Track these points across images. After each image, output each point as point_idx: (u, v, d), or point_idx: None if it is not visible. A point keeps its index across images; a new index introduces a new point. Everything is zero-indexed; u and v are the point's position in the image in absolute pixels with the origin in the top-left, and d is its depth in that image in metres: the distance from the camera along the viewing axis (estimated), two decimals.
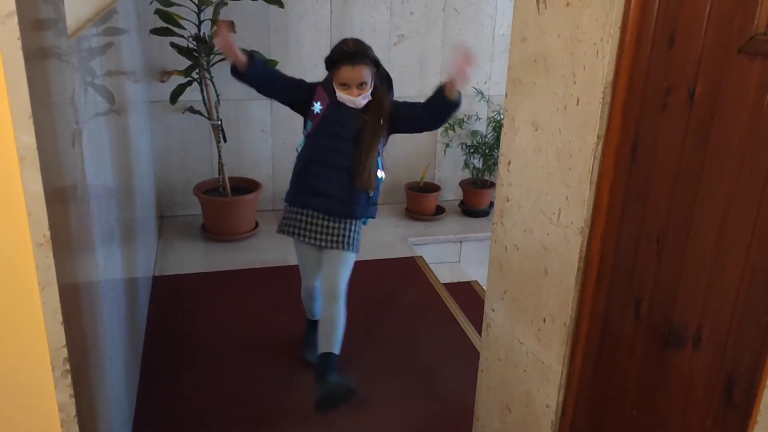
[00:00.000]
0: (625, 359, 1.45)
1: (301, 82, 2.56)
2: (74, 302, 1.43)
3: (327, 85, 2.48)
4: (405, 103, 2.56)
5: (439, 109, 2.44)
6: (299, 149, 2.59)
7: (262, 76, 2.48)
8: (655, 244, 1.33)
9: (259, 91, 2.55)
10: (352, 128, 2.46)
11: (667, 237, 1.30)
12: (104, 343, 1.84)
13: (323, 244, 2.54)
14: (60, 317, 1.26)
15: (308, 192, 2.53)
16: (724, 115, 1.14)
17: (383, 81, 2.53)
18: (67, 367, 1.30)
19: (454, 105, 2.39)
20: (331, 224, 2.53)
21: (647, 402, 1.39)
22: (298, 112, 2.57)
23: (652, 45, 1.29)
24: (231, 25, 2.40)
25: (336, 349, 2.48)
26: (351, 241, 2.54)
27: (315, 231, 2.55)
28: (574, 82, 1.48)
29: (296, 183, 2.58)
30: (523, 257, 1.75)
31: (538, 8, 1.59)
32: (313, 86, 2.52)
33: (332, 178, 2.48)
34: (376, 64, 2.46)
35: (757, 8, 1.06)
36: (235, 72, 2.44)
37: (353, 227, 2.55)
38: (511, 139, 1.75)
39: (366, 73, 2.41)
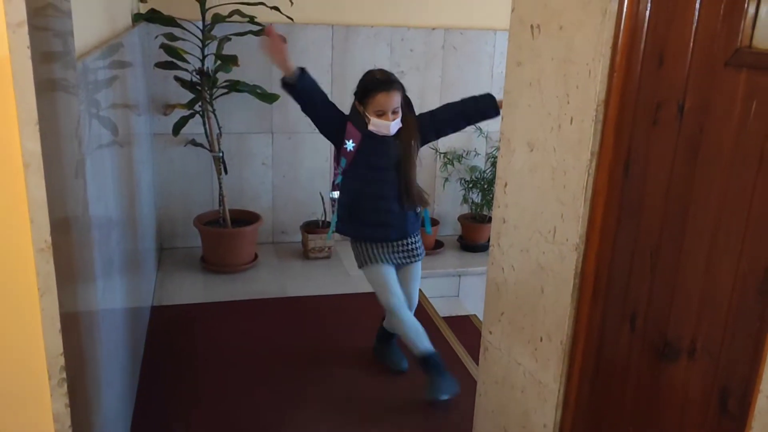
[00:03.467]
0: (621, 374, 1.45)
1: (339, 111, 2.65)
2: (73, 313, 1.44)
3: (355, 120, 2.59)
4: (426, 115, 2.71)
5: (481, 113, 2.67)
6: (337, 183, 2.71)
7: (309, 92, 2.58)
8: (649, 258, 1.35)
9: (303, 106, 2.62)
10: (391, 156, 2.60)
11: (661, 251, 1.32)
12: (101, 365, 1.84)
13: (399, 262, 2.75)
14: (58, 324, 1.27)
15: (367, 225, 2.68)
16: (713, 127, 1.17)
17: (407, 104, 2.65)
18: (64, 375, 1.30)
19: (496, 115, 2.58)
20: (399, 245, 2.72)
21: (643, 417, 1.39)
22: (329, 139, 2.70)
23: (642, 63, 1.33)
24: (282, 37, 2.55)
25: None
26: (420, 251, 2.80)
27: (386, 253, 2.73)
28: (568, 102, 1.51)
29: (351, 218, 2.71)
30: (520, 277, 1.76)
31: (533, 33, 1.63)
32: (344, 121, 2.60)
33: (386, 208, 2.63)
34: (403, 89, 2.59)
35: (741, 23, 1.10)
36: (285, 83, 2.56)
37: (417, 239, 2.79)
38: (507, 161, 1.79)
39: (398, 99, 2.54)
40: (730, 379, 1.16)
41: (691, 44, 1.21)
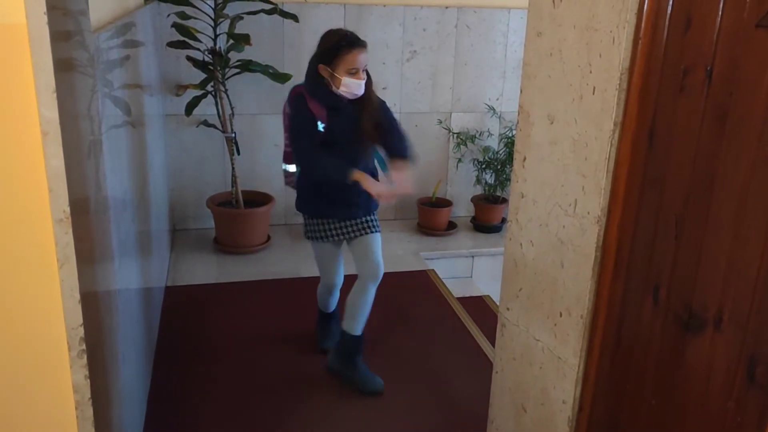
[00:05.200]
0: (644, 348, 1.43)
1: (313, 129, 2.47)
2: (92, 286, 1.44)
3: (316, 90, 2.44)
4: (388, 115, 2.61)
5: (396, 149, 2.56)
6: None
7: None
8: (674, 228, 1.33)
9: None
10: (351, 129, 2.48)
11: (686, 220, 1.29)
12: (119, 340, 1.84)
13: (352, 236, 2.62)
14: (77, 295, 1.26)
15: (328, 202, 2.58)
16: (743, 91, 1.14)
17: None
18: (83, 347, 1.30)
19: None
20: (354, 221, 2.62)
21: (667, 390, 1.37)
22: None
23: (669, 28, 1.30)
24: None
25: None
26: (376, 223, 2.67)
27: (340, 230, 2.63)
28: (590, 72, 1.48)
29: (312, 195, 2.63)
30: (539, 252, 1.74)
31: (554, 2, 1.60)
32: (306, 107, 2.45)
33: (349, 186, 2.45)
34: None
35: None
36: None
37: (373, 215, 2.67)
38: (527, 134, 1.76)
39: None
40: (758, 348, 1.14)
41: (720, 6, 1.18)
